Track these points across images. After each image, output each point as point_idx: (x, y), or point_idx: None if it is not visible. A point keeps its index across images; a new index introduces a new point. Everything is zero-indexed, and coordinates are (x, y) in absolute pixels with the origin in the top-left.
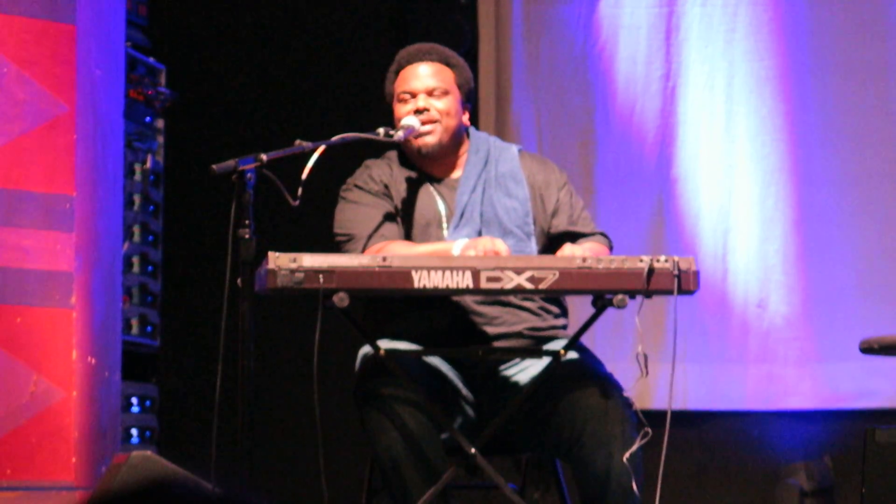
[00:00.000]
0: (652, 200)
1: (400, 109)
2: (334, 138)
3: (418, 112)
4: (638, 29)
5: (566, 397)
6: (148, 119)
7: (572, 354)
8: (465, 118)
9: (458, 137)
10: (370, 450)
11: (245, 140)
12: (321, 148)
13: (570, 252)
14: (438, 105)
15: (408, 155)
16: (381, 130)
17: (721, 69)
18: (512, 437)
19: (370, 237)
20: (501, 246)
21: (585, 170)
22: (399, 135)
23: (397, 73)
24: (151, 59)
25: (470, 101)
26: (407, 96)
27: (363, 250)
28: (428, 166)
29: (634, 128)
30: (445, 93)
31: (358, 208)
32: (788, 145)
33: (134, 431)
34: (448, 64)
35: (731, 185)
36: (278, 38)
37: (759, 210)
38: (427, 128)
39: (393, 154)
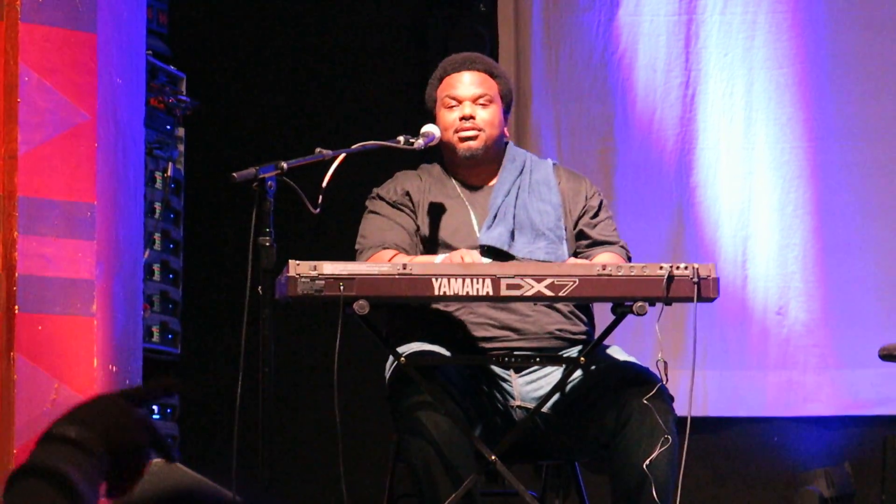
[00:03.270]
0: (672, 207)
1: (446, 116)
2: (354, 146)
3: (464, 119)
4: (657, 36)
5: (610, 389)
6: (168, 127)
7: (607, 354)
8: (505, 129)
9: (498, 146)
10: (398, 452)
11: (265, 148)
12: (341, 156)
13: (572, 262)
14: (483, 114)
15: (446, 162)
16: (402, 139)
17: (740, 76)
18: (540, 441)
19: (371, 248)
20: (476, 256)
21: (605, 177)
22: (419, 143)
23: (441, 79)
24: (172, 68)
25: (509, 110)
26: (453, 102)
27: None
28: (465, 175)
29: (654, 135)
30: (490, 101)
31: (371, 219)
32: (808, 152)
33: None
34: (492, 74)
35: (751, 192)
36: (298, 47)
37: (778, 217)
38: (471, 133)
39: (430, 166)
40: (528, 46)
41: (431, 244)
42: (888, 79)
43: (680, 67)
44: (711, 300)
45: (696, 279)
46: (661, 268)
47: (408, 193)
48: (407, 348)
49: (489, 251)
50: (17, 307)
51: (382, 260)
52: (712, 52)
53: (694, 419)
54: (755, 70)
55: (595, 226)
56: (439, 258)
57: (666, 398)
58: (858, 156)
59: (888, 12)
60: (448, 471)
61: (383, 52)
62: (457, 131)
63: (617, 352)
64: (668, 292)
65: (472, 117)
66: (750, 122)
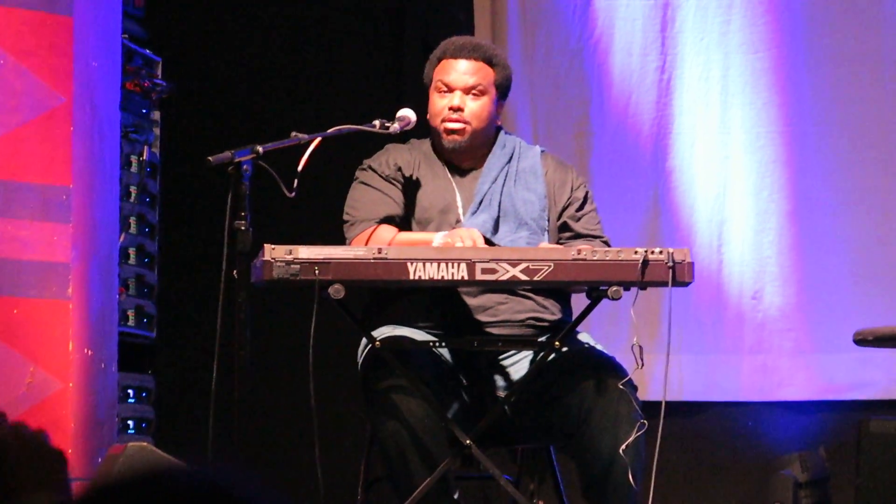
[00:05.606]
0: (647, 192)
1: (436, 101)
2: (330, 130)
3: (452, 110)
4: (633, 21)
5: (573, 379)
6: (144, 111)
7: (575, 341)
8: (498, 115)
9: (485, 137)
10: (373, 437)
11: (241, 132)
12: (317, 140)
13: (546, 246)
14: (473, 106)
15: (434, 143)
16: (377, 123)
17: (716, 61)
18: (514, 426)
19: (364, 221)
20: (477, 235)
21: (581, 161)
22: (395, 127)
23: (439, 60)
24: (148, 51)
25: (505, 97)
26: (444, 88)
27: (356, 234)
28: (454, 157)
29: (630, 119)
30: (482, 93)
31: (363, 190)
32: (783, 137)
33: (130, 422)
34: (490, 63)
35: (726, 177)
36: (275, 30)
37: (753, 201)
38: (457, 126)
39: (420, 142)
40: (505, 31)
41: (415, 221)
42: (864, 63)
43: (656, 52)
44: (686, 284)
45: (671, 263)
46: (636, 252)
47: (399, 168)
48: (380, 332)
49: None
50: None
51: (381, 238)
52: (688, 37)
53: (669, 403)
54: (731, 54)
55: (579, 218)
56: (440, 235)
57: (628, 388)
58: (834, 141)
59: None
60: (422, 455)
61: (360, 36)
62: (443, 120)
63: (585, 339)
64: (643, 276)
65: (460, 109)
66: (726, 106)
